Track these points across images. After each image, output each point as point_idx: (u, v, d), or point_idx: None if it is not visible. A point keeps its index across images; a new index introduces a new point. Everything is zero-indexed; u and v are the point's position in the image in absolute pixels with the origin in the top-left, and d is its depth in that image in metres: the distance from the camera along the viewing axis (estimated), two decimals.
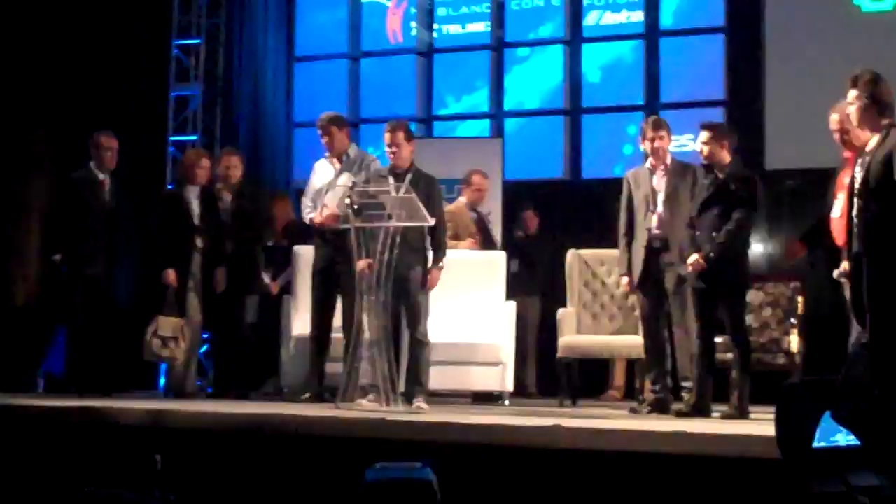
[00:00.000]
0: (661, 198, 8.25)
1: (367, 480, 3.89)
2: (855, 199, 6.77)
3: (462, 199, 10.11)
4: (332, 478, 5.71)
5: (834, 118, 7.22)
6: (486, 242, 10.19)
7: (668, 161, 8.32)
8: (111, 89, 11.84)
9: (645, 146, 8.45)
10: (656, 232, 8.23)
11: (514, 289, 10.21)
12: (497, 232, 10.74)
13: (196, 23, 12.89)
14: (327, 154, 9.15)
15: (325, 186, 9.04)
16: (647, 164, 8.43)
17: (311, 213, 9.05)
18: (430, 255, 8.37)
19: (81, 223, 9.42)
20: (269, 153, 12.38)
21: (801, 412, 3.28)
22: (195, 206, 9.38)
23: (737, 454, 5.79)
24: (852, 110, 7.07)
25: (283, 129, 12.87)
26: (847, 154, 7.15)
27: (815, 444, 3.21)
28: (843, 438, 3.23)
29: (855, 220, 6.76)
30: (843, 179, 7.05)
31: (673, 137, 8.56)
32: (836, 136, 7.22)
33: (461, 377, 9.30)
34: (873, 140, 6.93)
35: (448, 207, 9.61)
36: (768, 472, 5.33)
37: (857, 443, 3.19)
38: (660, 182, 8.30)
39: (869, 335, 3.63)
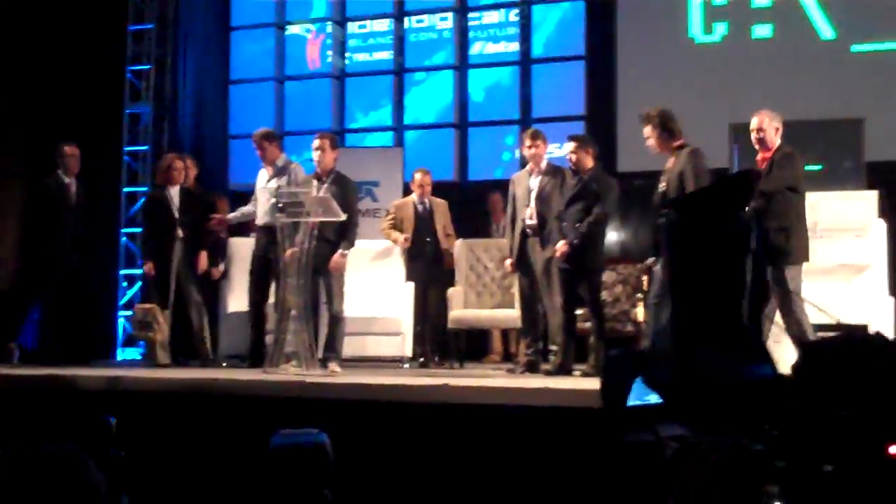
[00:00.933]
0: (534, 195, 8.30)
1: (271, 447, 3.89)
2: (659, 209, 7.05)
3: (413, 196, 9.95)
4: (259, 434, 5.68)
5: (754, 122, 7.23)
6: (425, 232, 9.69)
7: (543, 165, 8.36)
8: (75, 107, 11.68)
9: (524, 152, 8.50)
10: (530, 222, 8.29)
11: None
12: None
13: (147, 52, 12.82)
14: (264, 163, 9.18)
15: (259, 190, 9.07)
16: (527, 168, 8.48)
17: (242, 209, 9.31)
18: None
19: (54, 219, 9.36)
20: (208, 161, 12.23)
21: (620, 377, 3.35)
22: (176, 202, 9.19)
23: (592, 405, 5.86)
24: (651, 142, 7.37)
25: (220, 141, 12.77)
26: (761, 156, 7.22)
27: (630, 403, 3.27)
28: (653, 398, 3.29)
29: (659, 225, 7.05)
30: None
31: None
32: (754, 135, 7.22)
33: (369, 345, 9.30)
34: (670, 160, 7.22)
35: (395, 202, 9.81)
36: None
37: (661, 400, 3.25)
38: (535, 182, 8.35)
39: (671, 315, 3.70)
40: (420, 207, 9.56)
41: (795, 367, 3.01)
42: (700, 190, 3.84)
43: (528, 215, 8.30)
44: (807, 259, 7.07)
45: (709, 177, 7.22)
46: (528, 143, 8.42)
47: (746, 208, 3.99)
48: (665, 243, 3.58)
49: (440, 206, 9.66)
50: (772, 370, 3.21)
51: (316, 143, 8.48)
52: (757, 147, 7.24)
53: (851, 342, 3.08)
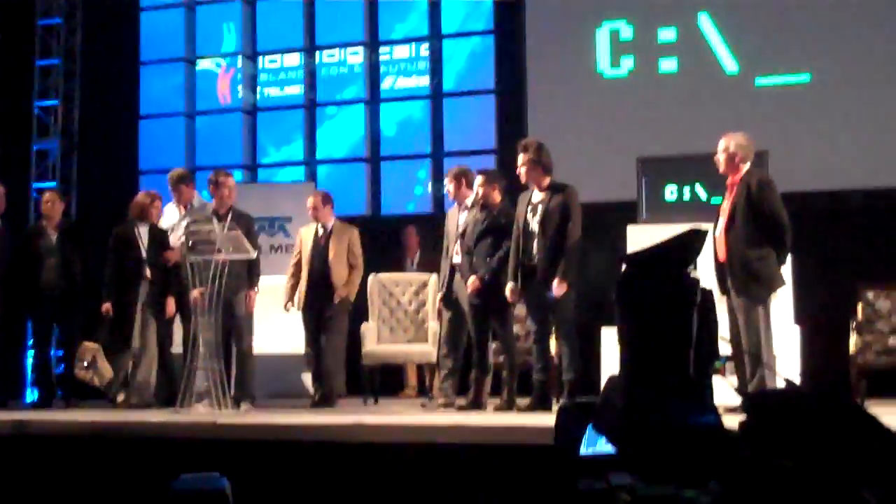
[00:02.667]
0: (459, 232, 8.29)
1: (171, 492, 3.83)
2: (534, 238, 7.50)
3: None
4: (168, 477, 5.56)
5: (721, 144, 7.22)
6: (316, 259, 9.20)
7: (470, 201, 8.34)
8: None
9: (448, 192, 8.59)
10: (456, 259, 8.26)
11: None
12: None
13: (54, 87, 12.68)
14: (174, 202, 9.04)
15: (170, 228, 8.97)
16: (454, 205, 8.50)
17: None
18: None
19: None
20: (117, 198, 12.04)
21: (572, 425, 3.41)
22: (145, 241, 8.88)
23: (506, 442, 5.85)
24: (522, 171, 7.54)
25: (130, 176, 12.57)
26: (730, 180, 7.21)
27: (582, 452, 3.32)
28: (604, 447, 3.33)
29: (535, 252, 7.50)
30: (724, 204, 7.21)
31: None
32: (723, 157, 7.19)
33: (281, 382, 9.20)
34: (540, 194, 7.40)
35: (301, 228, 9.31)
36: (531, 458, 5.38)
37: (614, 450, 3.29)
38: (462, 218, 8.35)
39: (620, 366, 3.74)
40: (319, 232, 9.09)
41: (742, 420, 3.05)
42: (651, 247, 3.89)
43: (455, 251, 8.27)
44: (783, 283, 7.15)
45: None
46: (446, 181, 8.46)
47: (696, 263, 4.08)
48: (615, 297, 3.63)
49: (344, 232, 9.05)
50: (716, 420, 3.25)
51: (215, 178, 8.42)
52: (721, 170, 7.24)
53: (797, 396, 3.13)
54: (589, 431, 3.43)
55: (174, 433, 6.74)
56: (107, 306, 8.80)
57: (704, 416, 3.34)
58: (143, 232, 8.88)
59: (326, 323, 8.74)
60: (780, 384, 6.57)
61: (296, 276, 8.92)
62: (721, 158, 7.19)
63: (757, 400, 3.51)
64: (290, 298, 8.86)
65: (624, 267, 4.46)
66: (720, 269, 7.10)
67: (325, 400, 8.61)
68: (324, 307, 8.76)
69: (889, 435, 3.19)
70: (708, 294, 3.99)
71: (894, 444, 3.17)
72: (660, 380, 3.51)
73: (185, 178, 9.14)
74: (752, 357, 6.90)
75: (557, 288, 7.45)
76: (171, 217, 9.10)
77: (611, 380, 3.65)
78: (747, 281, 6.94)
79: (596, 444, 3.40)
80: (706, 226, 6.87)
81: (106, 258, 8.96)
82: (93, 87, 12.87)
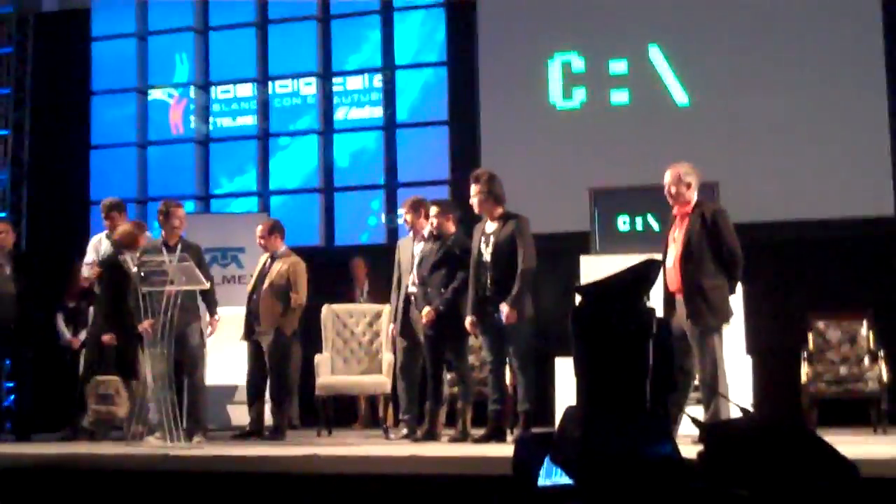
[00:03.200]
0: (415, 262, 8.28)
1: None
2: (488, 269, 7.56)
3: None
4: None
5: (667, 177, 7.23)
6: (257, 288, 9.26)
7: (426, 232, 8.33)
8: None
9: (405, 221, 8.55)
10: (412, 289, 8.25)
11: None
12: None
13: (4, 115, 12.62)
14: (107, 232, 8.98)
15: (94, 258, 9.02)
16: (409, 235, 8.46)
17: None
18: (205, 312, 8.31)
19: None
20: (67, 228, 11.97)
21: (530, 457, 3.45)
22: (133, 268, 8.72)
23: (460, 473, 5.83)
24: (475, 201, 7.58)
25: (80, 206, 12.47)
26: (676, 212, 7.25)
27: (540, 483, 3.34)
28: (561, 478, 3.36)
29: (489, 283, 7.56)
30: (674, 233, 7.22)
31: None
32: (673, 189, 7.20)
33: (234, 414, 9.13)
34: (494, 225, 7.44)
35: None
36: (487, 489, 5.37)
37: (570, 481, 3.32)
38: (417, 249, 8.33)
39: (577, 396, 3.76)
40: (267, 262, 8.96)
41: (700, 451, 3.07)
42: (606, 277, 3.92)
43: (412, 281, 8.26)
44: (732, 314, 7.18)
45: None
46: (403, 212, 8.46)
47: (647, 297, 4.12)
48: (571, 329, 3.67)
49: (285, 262, 8.85)
50: (672, 451, 3.27)
51: (165, 209, 8.41)
52: (671, 202, 7.26)
53: (754, 426, 3.17)
54: (546, 462, 3.45)
55: (126, 465, 6.66)
56: (110, 337, 8.62)
57: (661, 447, 3.36)
58: (130, 259, 8.74)
59: (269, 355, 8.69)
60: (736, 413, 6.64)
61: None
62: (672, 190, 7.22)
63: (714, 430, 3.54)
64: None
65: (579, 297, 4.49)
66: (669, 299, 7.13)
67: (275, 431, 8.58)
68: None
69: (844, 463, 3.22)
70: (664, 324, 4.01)
71: (849, 471, 3.20)
72: (616, 410, 3.53)
73: (117, 206, 9.16)
74: (707, 387, 6.93)
75: (508, 314, 7.45)
76: (103, 248, 9.07)
77: (568, 411, 3.66)
78: (703, 311, 6.96)
79: (553, 475, 3.41)
80: (658, 256, 6.98)
81: (102, 290, 8.78)
82: (43, 117, 12.80)
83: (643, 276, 4.05)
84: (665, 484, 3.25)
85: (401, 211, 8.61)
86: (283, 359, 8.75)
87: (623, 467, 3.27)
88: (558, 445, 3.45)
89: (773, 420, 3.32)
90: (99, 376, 8.57)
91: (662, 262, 7.10)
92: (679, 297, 7.07)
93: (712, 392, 6.86)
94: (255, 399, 8.76)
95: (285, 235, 9.10)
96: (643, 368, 3.67)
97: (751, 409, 8.23)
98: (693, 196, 7.21)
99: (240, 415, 9.34)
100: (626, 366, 3.62)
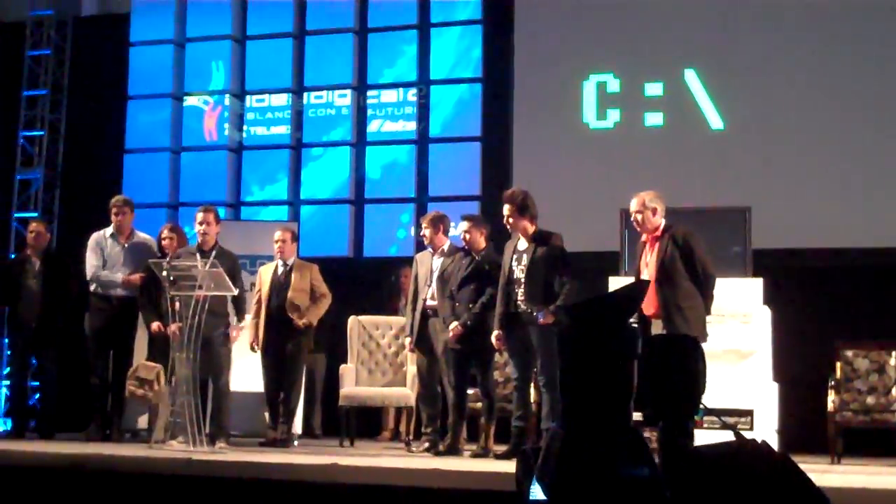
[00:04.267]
0: (435, 276, 8.27)
1: None
2: (519, 288, 7.50)
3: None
4: None
5: (633, 205, 7.29)
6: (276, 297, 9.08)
7: (446, 247, 8.34)
8: None
9: (426, 237, 8.49)
10: (430, 303, 8.24)
11: None
12: None
13: (41, 117, 12.74)
14: (112, 232, 9.05)
15: (111, 260, 9.02)
16: (429, 248, 8.45)
17: (110, 276, 8.97)
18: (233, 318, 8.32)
19: None
20: (98, 230, 12.03)
21: (525, 473, 3.49)
22: None
23: (481, 488, 5.81)
24: (509, 220, 7.55)
25: None
26: (645, 238, 7.29)
27: (531, 498, 3.37)
28: (541, 495, 3.42)
29: (521, 300, 7.50)
30: (645, 258, 7.26)
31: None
32: (639, 217, 7.24)
33: (257, 421, 9.13)
34: (526, 242, 7.41)
35: (262, 266, 9.27)
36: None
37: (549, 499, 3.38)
38: (437, 263, 8.33)
39: (560, 414, 3.79)
40: (279, 270, 9.00)
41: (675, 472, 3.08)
42: (592, 298, 3.94)
43: (430, 295, 8.26)
44: (707, 338, 7.11)
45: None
46: (424, 226, 8.44)
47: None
48: (558, 347, 3.70)
49: (305, 268, 8.97)
50: (650, 471, 3.29)
51: (200, 216, 8.51)
52: (638, 229, 7.32)
53: (732, 450, 3.18)
54: (533, 480, 3.49)
55: (148, 469, 6.68)
56: (156, 327, 8.67)
57: (638, 468, 3.39)
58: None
59: (286, 362, 8.72)
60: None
61: (258, 314, 8.87)
62: (640, 217, 7.25)
63: (695, 453, 3.55)
64: (256, 337, 8.81)
65: (567, 318, 4.51)
66: (645, 323, 7.07)
67: (282, 441, 8.61)
68: (284, 345, 8.72)
69: (815, 490, 3.24)
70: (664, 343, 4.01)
71: (819, 499, 3.21)
72: (597, 430, 3.54)
73: (130, 203, 9.22)
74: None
75: (547, 315, 7.43)
76: (110, 249, 9.07)
77: (552, 429, 3.69)
78: (682, 329, 6.89)
79: (538, 493, 3.46)
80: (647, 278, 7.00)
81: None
82: (79, 119, 12.91)
83: (630, 297, 4.06)
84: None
85: (421, 225, 8.60)
86: (303, 365, 8.85)
87: (600, 487, 3.31)
88: (543, 463, 3.48)
89: (747, 445, 3.32)
90: (146, 362, 8.58)
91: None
92: (656, 321, 7.05)
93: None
94: (277, 409, 8.77)
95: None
96: (627, 387, 3.68)
97: (776, 436, 8.21)
98: (660, 221, 7.27)
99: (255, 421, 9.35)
100: (610, 386, 3.63)
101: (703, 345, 7.16)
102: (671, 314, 6.99)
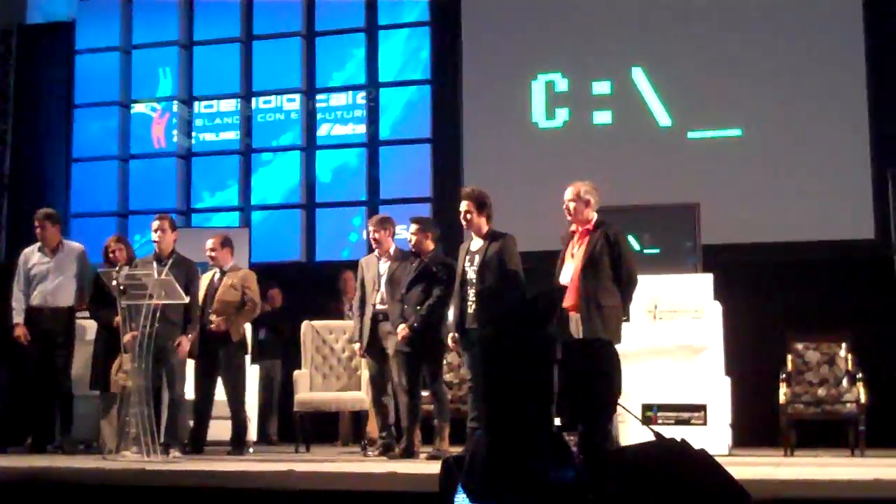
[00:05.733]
0: (384, 279, 8.27)
1: None
2: (471, 288, 7.47)
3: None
4: None
5: (568, 193, 7.29)
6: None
7: (392, 250, 8.35)
8: None
9: (371, 238, 8.47)
10: (381, 307, 8.24)
11: (263, 353, 10.13)
12: None
13: None
14: (40, 245, 8.96)
15: (40, 274, 8.89)
16: (375, 252, 8.45)
17: (16, 309, 8.84)
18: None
19: None
20: None
21: (449, 480, 3.54)
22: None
23: (437, 490, 5.81)
24: (466, 217, 7.56)
25: (61, 219, 12.43)
26: (573, 228, 7.29)
27: None
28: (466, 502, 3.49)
29: (471, 300, 7.47)
30: (571, 249, 7.25)
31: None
32: (571, 206, 7.25)
33: (213, 429, 9.06)
34: (479, 243, 7.44)
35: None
36: None
37: None
38: (384, 267, 8.32)
39: (484, 420, 3.86)
40: (215, 278, 8.89)
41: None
42: (511, 306, 3.99)
43: (379, 299, 8.25)
44: (620, 341, 7.12)
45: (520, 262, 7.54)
46: (372, 229, 8.42)
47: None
48: (479, 355, 3.74)
49: (235, 274, 8.84)
50: (574, 475, 3.33)
51: (156, 224, 8.46)
52: (569, 217, 7.32)
53: (653, 449, 3.22)
54: (458, 487, 3.52)
55: (102, 480, 6.62)
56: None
57: (562, 472, 3.43)
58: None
59: (222, 369, 8.64)
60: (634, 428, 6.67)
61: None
62: (572, 206, 7.27)
63: (612, 454, 3.60)
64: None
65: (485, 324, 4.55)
66: (562, 318, 7.02)
67: (238, 445, 8.58)
68: (217, 352, 8.64)
69: (737, 488, 3.30)
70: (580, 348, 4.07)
71: (742, 498, 3.28)
72: (521, 436, 3.58)
73: (51, 217, 9.07)
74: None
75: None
76: (36, 262, 8.95)
77: (476, 436, 3.73)
78: (599, 330, 6.93)
79: (463, 500, 3.49)
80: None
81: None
82: (26, 129, 12.79)
83: (548, 303, 4.10)
84: None
85: (369, 228, 8.57)
86: (239, 369, 8.73)
87: (525, 493, 3.35)
88: (468, 470, 3.51)
89: (670, 444, 3.38)
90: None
91: (558, 281, 7.17)
92: (573, 314, 7.08)
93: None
94: (206, 416, 8.67)
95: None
96: (548, 391, 3.72)
97: (729, 430, 8.28)
98: (592, 215, 7.30)
99: (218, 430, 9.29)
100: (531, 391, 3.67)
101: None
102: (590, 313, 7.01)
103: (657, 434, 3.54)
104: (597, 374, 6.59)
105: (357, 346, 8.51)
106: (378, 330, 8.25)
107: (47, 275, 8.88)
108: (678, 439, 3.44)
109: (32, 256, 8.97)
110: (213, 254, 8.87)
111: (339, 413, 9.99)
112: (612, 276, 7.12)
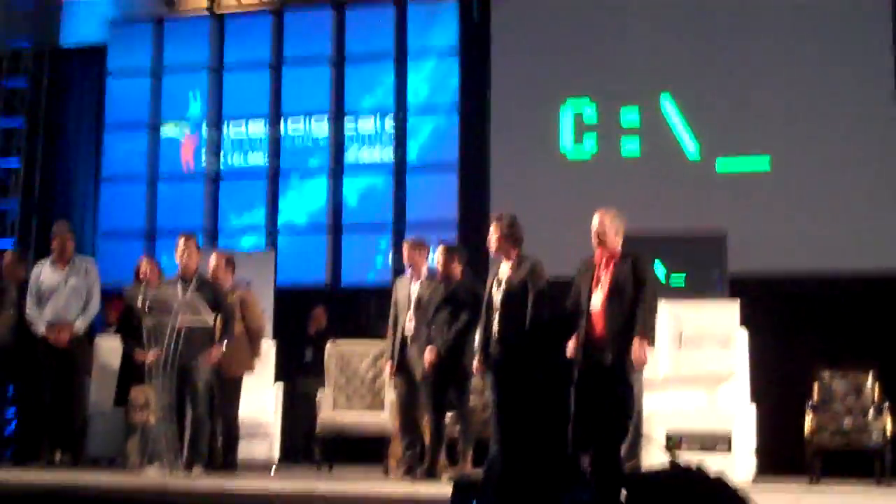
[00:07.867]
0: (412, 302, 8.26)
1: None
2: (496, 313, 7.29)
3: None
4: None
5: (595, 220, 7.22)
6: None
7: (424, 271, 8.34)
8: None
9: (405, 260, 8.47)
10: (409, 328, 8.23)
11: (308, 373, 10.17)
12: (270, 326, 10.44)
13: (17, 146, 12.69)
14: (52, 258, 8.97)
15: (51, 288, 8.89)
16: (408, 274, 8.45)
17: (37, 319, 8.84)
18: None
19: None
20: None
21: (461, 502, 3.54)
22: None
23: None
24: (493, 241, 7.50)
25: (89, 238, 12.53)
26: (600, 255, 7.19)
27: None
28: None
29: (496, 326, 7.25)
30: (600, 276, 7.15)
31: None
32: (601, 232, 7.16)
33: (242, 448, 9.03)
34: (507, 269, 7.36)
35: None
36: None
37: None
38: (415, 288, 8.32)
39: (499, 442, 3.84)
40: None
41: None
42: (526, 330, 3.98)
43: (408, 319, 8.25)
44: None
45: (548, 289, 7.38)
46: (406, 252, 8.42)
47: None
48: (493, 378, 3.72)
49: (237, 299, 8.73)
50: (589, 497, 3.31)
51: (181, 243, 8.38)
52: (595, 245, 7.23)
53: (669, 473, 3.20)
54: None
55: (124, 495, 6.63)
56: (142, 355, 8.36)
57: (577, 494, 3.40)
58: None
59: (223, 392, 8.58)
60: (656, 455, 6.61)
61: None
62: (600, 233, 7.18)
63: (639, 479, 3.57)
64: None
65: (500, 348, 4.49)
66: (590, 344, 6.90)
67: (228, 465, 8.49)
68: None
69: None
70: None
71: None
72: (536, 457, 3.56)
73: (73, 232, 9.18)
74: (632, 430, 6.86)
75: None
76: (48, 276, 8.95)
77: (491, 458, 3.71)
78: (627, 355, 6.89)
79: None
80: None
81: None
82: (56, 149, 12.89)
83: (563, 328, 4.08)
84: None
85: (404, 249, 8.56)
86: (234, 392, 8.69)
87: None
88: (482, 492, 3.49)
89: (685, 469, 3.35)
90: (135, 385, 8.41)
91: (579, 308, 7.05)
92: (599, 342, 6.94)
93: (638, 434, 6.82)
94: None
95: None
96: (564, 413, 3.70)
97: (753, 458, 8.22)
98: (619, 242, 7.22)
99: (248, 449, 9.27)
100: (547, 411, 3.65)
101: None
102: (616, 340, 6.90)
103: (673, 459, 3.52)
104: (612, 398, 6.59)
105: (388, 365, 8.47)
106: (406, 352, 8.25)
107: (59, 289, 8.89)
108: (694, 464, 3.42)
109: (44, 270, 9.00)
110: (214, 273, 8.71)
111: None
112: (638, 304, 7.05)
